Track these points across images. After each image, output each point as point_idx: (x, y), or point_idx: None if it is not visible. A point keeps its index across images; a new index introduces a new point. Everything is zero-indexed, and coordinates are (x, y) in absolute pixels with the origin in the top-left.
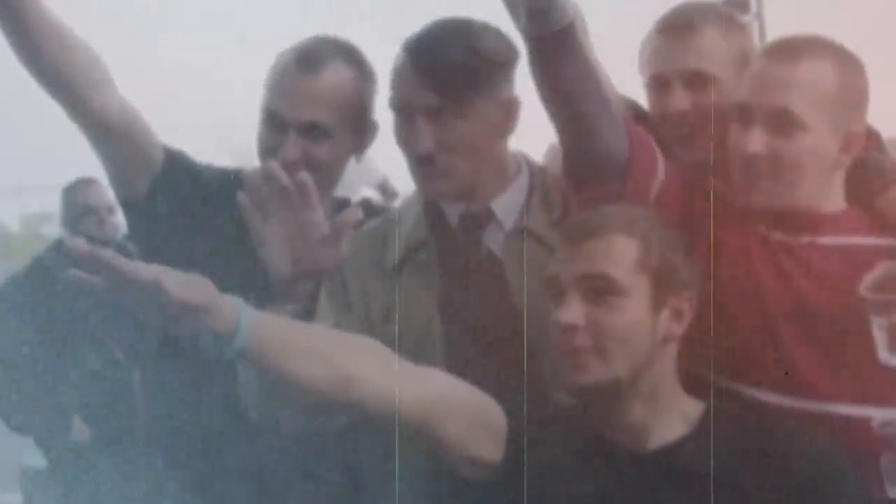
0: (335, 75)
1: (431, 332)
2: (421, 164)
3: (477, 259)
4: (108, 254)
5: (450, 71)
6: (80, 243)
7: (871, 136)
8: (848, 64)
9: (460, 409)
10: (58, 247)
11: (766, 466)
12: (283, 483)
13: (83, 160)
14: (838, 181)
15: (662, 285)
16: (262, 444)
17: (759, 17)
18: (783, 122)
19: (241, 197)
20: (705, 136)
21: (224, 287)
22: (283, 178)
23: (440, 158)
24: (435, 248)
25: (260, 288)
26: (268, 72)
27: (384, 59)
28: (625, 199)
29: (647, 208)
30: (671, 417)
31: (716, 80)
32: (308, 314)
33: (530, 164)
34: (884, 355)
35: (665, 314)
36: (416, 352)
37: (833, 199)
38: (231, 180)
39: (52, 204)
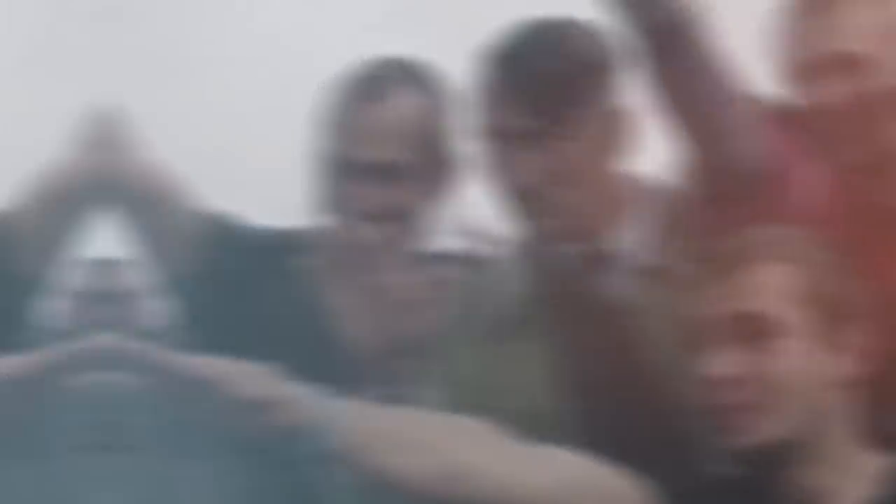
0: (407, 102)
1: (550, 403)
2: (525, 200)
3: (599, 308)
4: (150, 348)
5: (550, 85)
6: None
7: None
8: None
9: (595, 494)
10: None
11: None
12: None
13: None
14: None
15: (830, 319)
16: None
17: None
18: None
19: (309, 262)
20: (867, 132)
21: (294, 373)
22: (358, 233)
23: (547, 191)
24: (547, 301)
25: (339, 371)
26: (321, 108)
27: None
28: (772, 217)
29: (802, 227)
30: (856, 479)
31: (871, 62)
32: (400, 397)
33: (650, 187)
34: None
35: (837, 353)
36: (535, 429)
37: None
38: (290, 243)
39: None
